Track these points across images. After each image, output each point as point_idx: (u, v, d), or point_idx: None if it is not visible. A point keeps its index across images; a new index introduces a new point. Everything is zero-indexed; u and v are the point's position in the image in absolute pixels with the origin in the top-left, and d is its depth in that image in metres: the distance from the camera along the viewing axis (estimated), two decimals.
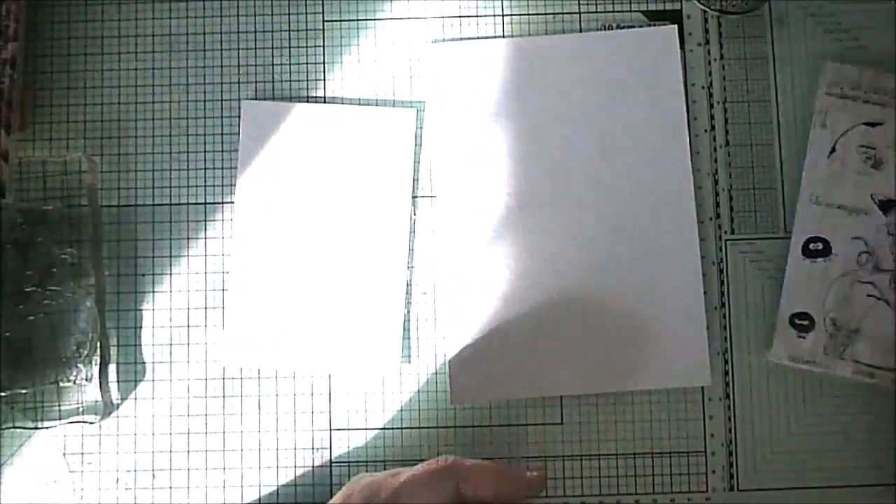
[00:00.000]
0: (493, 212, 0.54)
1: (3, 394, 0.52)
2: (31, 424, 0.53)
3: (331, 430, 0.53)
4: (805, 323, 0.53)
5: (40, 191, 0.54)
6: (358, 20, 0.56)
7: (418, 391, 0.54)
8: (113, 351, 0.53)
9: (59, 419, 0.53)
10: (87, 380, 0.52)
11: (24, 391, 0.52)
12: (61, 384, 0.52)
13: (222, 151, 0.55)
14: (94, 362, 0.52)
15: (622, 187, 0.54)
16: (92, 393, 0.53)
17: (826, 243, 0.53)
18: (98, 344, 0.52)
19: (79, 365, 0.52)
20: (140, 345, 0.54)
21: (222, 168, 0.55)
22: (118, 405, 0.53)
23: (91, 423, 0.53)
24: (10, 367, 0.52)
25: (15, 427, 0.53)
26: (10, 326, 0.52)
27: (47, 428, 0.53)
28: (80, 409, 0.53)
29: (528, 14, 0.56)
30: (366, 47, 0.56)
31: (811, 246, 0.53)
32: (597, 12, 0.56)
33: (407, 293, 0.54)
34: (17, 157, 0.54)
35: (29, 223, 0.53)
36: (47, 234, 0.53)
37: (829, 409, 0.53)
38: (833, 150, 0.54)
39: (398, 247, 0.54)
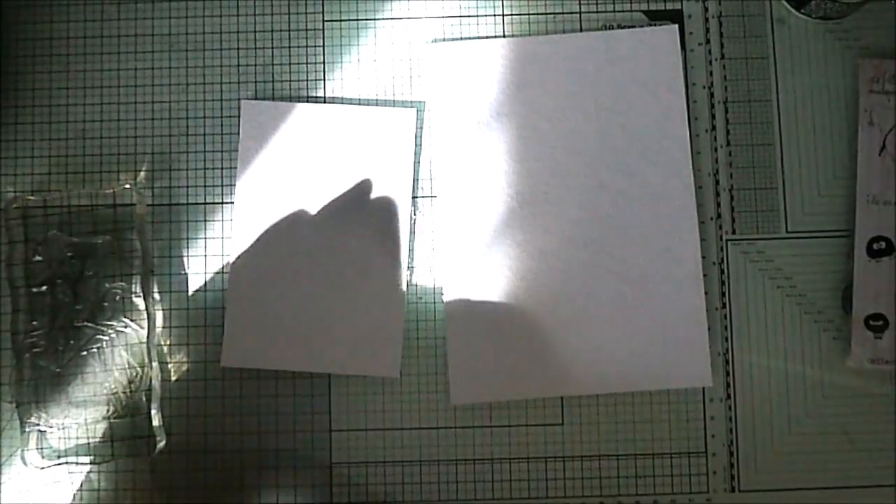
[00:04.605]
0: (493, 212, 0.54)
1: (50, 427, 0.51)
2: (86, 460, 0.52)
3: (330, 431, 0.53)
4: (879, 323, 0.53)
5: (89, 223, 0.54)
6: (358, 20, 0.56)
7: (418, 392, 0.54)
8: (159, 385, 0.53)
9: (113, 456, 0.52)
10: (138, 415, 0.52)
11: (76, 425, 0.52)
12: (113, 419, 0.52)
13: (222, 151, 0.55)
14: (144, 397, 0.52)
15: (622, 187, 0.54)
16: (142, 428, 0.52)
17: (888, 242, 0.53)
18: (149, 378, 0.52)
19: (130, 400, 0.52)
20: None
21: (222, 168, 0.55)
22: (165, 439, 0.53)
23: (142, 456, 0.52)
24: (62, 402, 0.52)
25: (69, 463, 0.52)
26: (61, 361, 0.52)
27: (103, 463, 0.52)
28: (133, 445, 0.52)
29: (528, 14, 0.56)
30: (366, 47, 0.56)
31: (874, 246, 0.53)
32: (597, 12, 0.56)
33: (407, 293, 0.54)
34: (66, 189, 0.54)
35: (78, 257, 0.52)
36: (97, 267, 0.52)
37: (829, 410, 0.53)
38: (883, 146, 0.53)
39: (398, 247, 0.54)
